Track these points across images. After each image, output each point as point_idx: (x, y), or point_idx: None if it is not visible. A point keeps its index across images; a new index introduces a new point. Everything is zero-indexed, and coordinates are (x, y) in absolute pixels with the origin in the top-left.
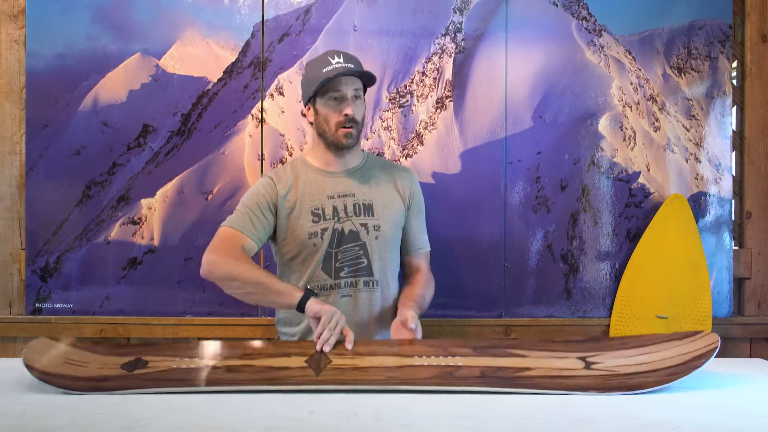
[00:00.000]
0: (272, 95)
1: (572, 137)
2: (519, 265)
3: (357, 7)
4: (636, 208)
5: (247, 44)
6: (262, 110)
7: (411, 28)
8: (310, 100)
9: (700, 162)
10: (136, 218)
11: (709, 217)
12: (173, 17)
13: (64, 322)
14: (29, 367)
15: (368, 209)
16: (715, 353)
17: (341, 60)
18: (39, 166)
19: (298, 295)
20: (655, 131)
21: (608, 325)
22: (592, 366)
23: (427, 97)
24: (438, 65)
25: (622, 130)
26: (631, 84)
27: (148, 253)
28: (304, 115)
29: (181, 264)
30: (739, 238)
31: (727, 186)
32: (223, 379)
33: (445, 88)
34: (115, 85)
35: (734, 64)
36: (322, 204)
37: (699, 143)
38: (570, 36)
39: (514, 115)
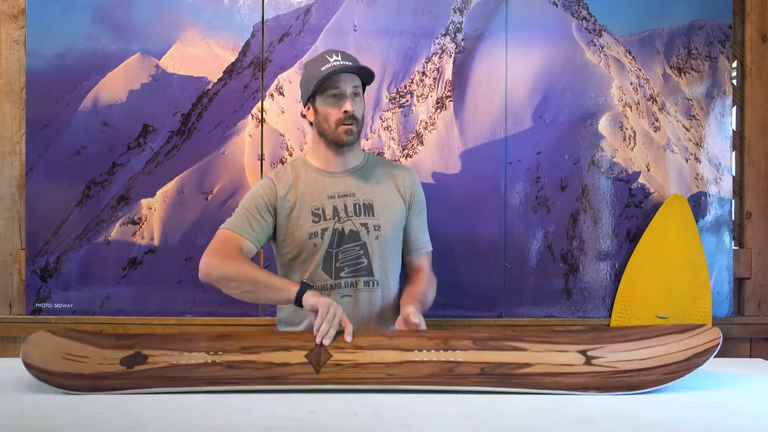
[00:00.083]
0: (272, 95)
1: (572, 137)
2: (519, 265)
3: (357, 7)
4: (636, 208)
5: (247, 44)
6: (262, 110)
7: (411, 28)
8: (309, 99)
9: (700, 162)
10: (136, 218)
11: (709, 217)
12: (173, 17)
13: (64, 322)
14: (28, 366)
15: (368, 209)
16: (717, 350)
17: (339, 58)
18: (39, 166)
19: (295, 290)
20: (655, 131)
21: (608, 325)
22: (593, 361)
23: (427, 97)
24: (438, 65)
25: (622, 130)
26: (631, 84)
27: (148, 253)
28: (304, 116)
29: (181, 264)
30: (739, 238)
31: (727, 186)
32: (223, 377)
33: (445, 88)
34: (115, 85)
35: (734, 64)
36: (323, 204)
37: (699, 143)
38: (570, 36)
39: (514, 115)
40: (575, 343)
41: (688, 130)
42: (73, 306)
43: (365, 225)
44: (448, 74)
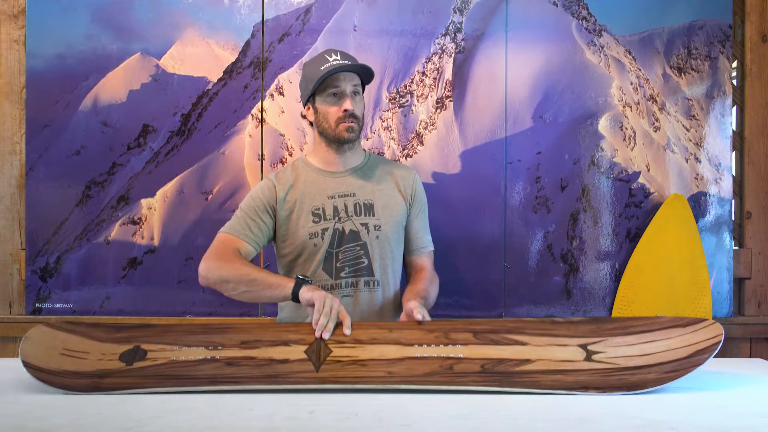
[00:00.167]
0: (272, 95)
1: (572, 137)
2: (519, 265)
3: (357, 7)
4: (636, 208)
5: (247, 44)
6: (262, 110)
7: (411, 28)
8: (309, 99)
9: (700, 162)
10: (136, 218)
11: (709, 217)
12: (173, 17)
13: None
14: (27, 365)
15: (369, 209)
16: (719, 347)
17: (338, 57)
18: (39, 166)
19: (291, 285)
20: (655, 131)
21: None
22: (593, 357)
23: (427, 97)
24: (438, 65)
25: (622, 130)
26: (631, 84)
27: (148, 253)
28: (304, 117)
29: (181, 264)
30: (739, 238)
31: (727, 186)
32: (223, 375)
33: (445, 88)
34: (115, 85)
35: (734, 64)
36: (323, 204)
37: (699, 143)
38: (570, 36)
39: (514, 115)
40: (576, 335)
41: (688, 130)
42: (73, 306)
43: (365, 225)
44: (448, 74)
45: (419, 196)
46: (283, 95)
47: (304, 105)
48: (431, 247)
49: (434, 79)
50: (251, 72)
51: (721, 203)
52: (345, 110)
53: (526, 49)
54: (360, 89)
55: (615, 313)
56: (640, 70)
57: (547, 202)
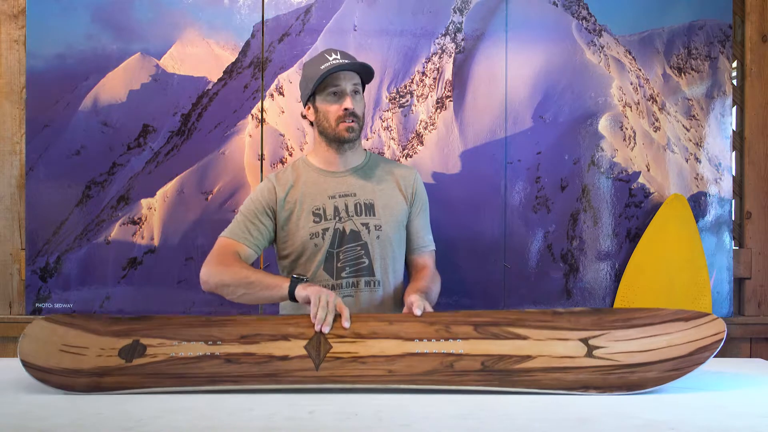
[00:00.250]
0: (272, 95)
1: (572, 137)
2: (519, 265)
3: (357, 7)
4: (636, 208)
5: (247, 44)
6: (262, 110)
7: (411, 28)
8: (309, 99)
9: (700, 162)
10: (136, 218)
11: (709, 217)
12: (173, 17)
13: None
14: (26, 364)
15: (369, 209)
16: (721, 345)
17: (338, 56)
18: (39, 166)
19: (286, 285)
20: (655, 131)
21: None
22: (594, 352)
23: (427, 97)
24: (438, 65)
25: (622, 130)
26: (631, 84)
27: (148, 253)
28: (304, 117)
29: (181, 264)
30: (739, 238)
31: (727, 186)
32: (223, 373)
33: (445, 88)
34: (115, 85)
35: (734, 64)
36: (323, 204)
37: (699, 143)
38: (570, 36)
39: (514, 115)
40: (577, 328)
41: (688, 130)
42: (73, 306)
43: (366, 225)
44: (448, 74)
45: (420, 195)
46: (283, 95)
47: (305, 105)
48: (432, 247)
49: (434, 79)
50: (251, 72)
51: (721, 203)
52: (345, 109)
53: (526, 49)
54: (360, 88)
55: None
56: (640, 70)
57: (547, 202)
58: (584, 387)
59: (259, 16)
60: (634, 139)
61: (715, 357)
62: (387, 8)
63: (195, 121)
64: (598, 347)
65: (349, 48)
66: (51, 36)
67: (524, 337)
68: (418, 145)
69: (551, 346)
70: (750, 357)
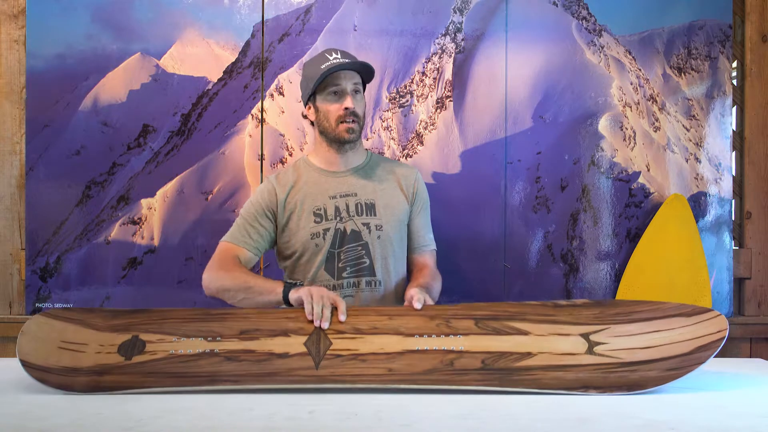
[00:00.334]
0: (272, 95)
1: (572, 137)
2: (519, 265)
3: (357, 7)
4: (636, 208)
5: (247, 44)
6: (262, 110)
7: (411, 28)
8: (309, 98)
9: (700, 162)
10: (136, 218)
11: (709, 217)
12: (173, 17)
13: None
14: (25, 364)
15: (370, 208)
16: (723, 343)
17: (338, 56)
18: (39, 166)
19: (281, 290)
20: (655, 131)
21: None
22: (595, 349)
23: (427, 97)
24: (438, 65)
25: (622, 130)
26: (631, 84)
27: (148, 253)
28: (305, 117)
29: (181, 264)
30: (739, 238)
31: (727, 186)
32: (223, 372)
33: (445, 88)
34: (115, 85)
35: (734, 64)
36: (324, 204)
37: (699, 143)
38: (570, 36)
39: (514, 115)
40: (578, 322)
41: (688, 130)
42: (73, 306)
43: (367, 225)
44: (448, 74)
45: (421, 194)
46: (283, 95)
47: (305, 104)
48: (433, 246)
49: (434, 79)
50: (251, 72)
51: (721, 203)
52: (346, 108)
53: (526, 49)
54: (361, 88)
55: None
56: (640, 70)
57: (547, 202)
58: (584, 387)
59: (259, 16)
60: (634, 139)
61: (715, 357)
62: (387, 8)
63: (195, 121)
64: (599, 343)
65: (349, 48)
66: (51, 36)
67: (525, 333)
68: (418, 145)
69: (552, 342)
70: (750, 357)
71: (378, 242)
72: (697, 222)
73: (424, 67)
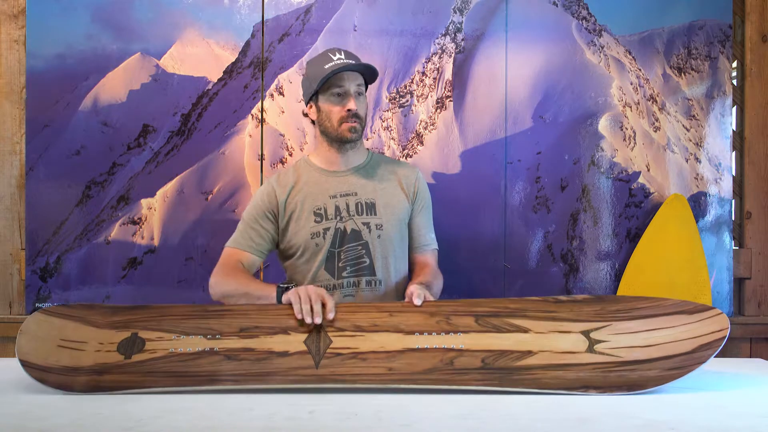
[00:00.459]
0: (272, 95)
1: (572, 137)
2: (519, 265)
3: (357, 7)
4: (636, 208)
5: (247, 44)
6: (262, 110)
7: (411, 28)
8: (312, 97)
9: (700, 162)
10: (136, 218)
11: (709, 217)
12: (173, 17)
13: None
14: (25, 364)
15: (370, 208)
16: (724, 342)
17: (342, 56)
18: (39, 166)
19: (274, 295)
20: (655, 131)
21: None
22: (595, 347)
23: (427, 97)
24: (438, 65)
25: (622, 130)
26: (631, 84)
27: (148, 253)
28: (305, 115)
29: (181, 264)
30: (739, 238)
31: (727, 186)
32: (222, 371)
33: (445, 88)
34: (115, 85)
35: (734, 64)
36: (325, 204)
37: (699, 143)
38: (570, 36)
39: (514, 115)
40: (579, 319)
41: (688, 130)
42: None
43: (367, 224)
44: (448, 74)
45: (422, 193)
46: (283, 95)
47: (307, 103)
48: (435, 245)
49: (434, 79)
50: (251, 72)
51: (721, 203)
52: (348, 110)
53: (526, 49)
54: (363, 89)
55: None
56: (640, 70)
57: (547, 202)
58: (584, 386)
59: (259, 16)
60: (634, 139)
61: (715, 357)
62: (387, 8)
63: (195, 121)
64: (599, 341)
65: (349, 48)
66: (51, 36)
67: (525, 330)
68: (418, 145)
69: (552, 340)
70: (750, 357)
71: (378, 241)
72: (697, 222)
73: (424, 67)
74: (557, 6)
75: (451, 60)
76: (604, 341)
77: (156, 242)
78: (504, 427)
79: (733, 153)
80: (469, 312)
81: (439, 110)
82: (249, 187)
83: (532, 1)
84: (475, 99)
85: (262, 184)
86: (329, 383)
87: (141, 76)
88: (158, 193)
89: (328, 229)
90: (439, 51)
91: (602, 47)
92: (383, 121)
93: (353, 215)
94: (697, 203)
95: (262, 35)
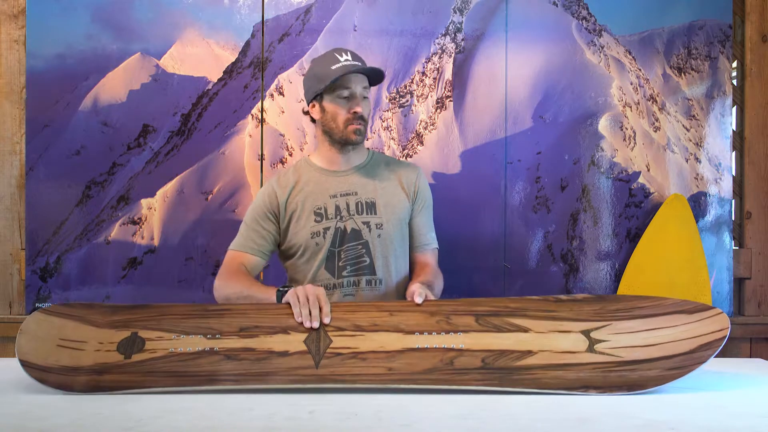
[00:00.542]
0: (272, 95)
1: (572, 137)
2: (519, 265)
3: (357, 7)
4: (636, 208)
5: (247, 44)
6: (262, 110)
7: (411, 28)
8: (315, 97)
9: (700, 162)
10: (136, 218)
11: (709, 217)
12: (173, 17)
13: None
14: (24, 364)
15: (371, 207)
16: (725, 342)
17: (349, 57)
18: (39, 166)
19: (274, 298)
20: (655, 131)
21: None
22: (596, 347)
23: (427, 97)
24: (438, 65)
25: (622, 130)
26: (631, 84)
27: (148, 253)
28: (306, 113)
29: (181, 264)
30: (739, 238)
31: (727, 186)
32: (222, 371)
33: (445, 88)
34: (115, 85)
35: (734, 64)
36: (325, 203)
37: (699, 143)
38: (570, 36)
39: (514, 115)
40: (579, 318)
41: (688, 130)
42: None
43: (367, 223)
44: (448, 74)
45: (423, 192)
46: (283, 95)
47: (309, 102)
48: (435, 245)
49: (434, 79)
50: (251, 72)
51: (721, 203)
52: (355, 112)
53: (526, 49)
54: (368, 92)
55: None
56: (640, 70)
57: (547, 202)
58: (585, 386)
59: (259, 16)
60: (634, 139)
61: (715, 357)
62: (387, 8)
63: (195, 121)
64: (599, 341)
65: (349, 48)
66: (51, 36)
67: (525, 330)
68: (418, 145)
69: (552, 339)
70: (750, 357)
71: (378, 241)
72: (697, 222)
73: (424, 67)
74: (557, 6)
75: (451, 60)
76: (604, 341)
77: (156, 242)
78: (504, 427)
79: (733, 153)
80: (469, 311)
81: (439, 110)
82: (249, 187)
83: (532, 1)
84: (475, 99)
85: (262, 184)
86: (329, 383)
87: (141, 76)
88: (158, 193)
89: (328, 228)
90: (439, 51)
91: (602, 47)
92: (383, 121)
93: (353, 214)
94: (697, 203)
95: (262, 35)
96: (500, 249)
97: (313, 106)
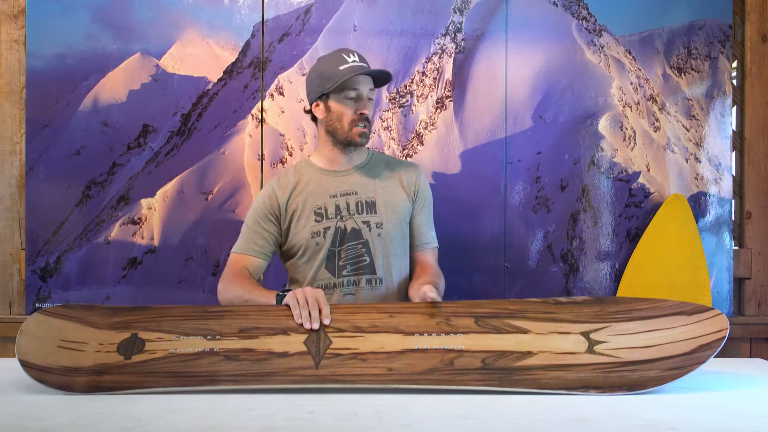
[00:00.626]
0: (272, 95)
1: (572, 137)
2: (519, 265)
3: (357, 7)
4: (636, 208)
5: (247, 44)
6: (262, 110)
7: (411, 28)
8: (320, 96)
9: (700, 162)
10: (136, 218)
11: (709, 217)
12: (173, 17)
13: None
14: (24, 364)
15: (371, 206)
16: (724, 342)
17: (356, 58)
18: (39, 166)
19: (274, 302)
20: (655, 131)
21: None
22: (595, 348)
23: (427, 97)
24: (438, 65)
25: (622, 130)
26: (631, 84)
27: (148, 253)
28: (308, 112)
29: (181, 264)
30: (739, 238)
31: (727, 186)
32: (222, 372)
33: (445, 88)
34: (115, 85)
35: (734, 64)
36: (325, 203)
37: (699, 143)
38: (570, 36)
39: (514, 115)
40: (579, 320)
41: (688, 130)
42: None
43: (367, 223)
44: (448, 74)
45: (423, 192)
46: (283, 95)
47: (313, 101)
48: (435, 244)
49: (434, 79)
50: (251, 72)
51: (721, 203)
52: (361, 114)
53: (526, 49)
54: (374, 93)
55: None
56: (640, 70)
57: (547, 202)
58: (585, 386)
59: (259, 16)
60: (634, 139)
61: (715, 357)
62: (387, 8)
63: (195, 121)
64: (599, 342)
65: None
66: (51, 36)
67: (525, 331)
68: (418, 145)
69: (552, 341)
70: (750, 357)
71: (378, 240)
72: (697, 222)
73: (424, 67)
74: (557, 6)
75: (451, 60)
76: (603, 342)
77: (156, 242)
78: (504, 427)
79: (733, 153)
80: (469, 313)
81: (439, 110)
82: (249, 187)
83: (532, 1)
84: (475, 99)
85: (262, 184)
86: (329, 383)
87: (141, 76)
88: (158, 193)
89: (328, 228)
90: (439, 51)
91: (602, 47)
92: (383, 121)
93: (353, 214)
94: (697, 203)
95: (262, 35)
96: (500, 249)
97: (317, 105)
